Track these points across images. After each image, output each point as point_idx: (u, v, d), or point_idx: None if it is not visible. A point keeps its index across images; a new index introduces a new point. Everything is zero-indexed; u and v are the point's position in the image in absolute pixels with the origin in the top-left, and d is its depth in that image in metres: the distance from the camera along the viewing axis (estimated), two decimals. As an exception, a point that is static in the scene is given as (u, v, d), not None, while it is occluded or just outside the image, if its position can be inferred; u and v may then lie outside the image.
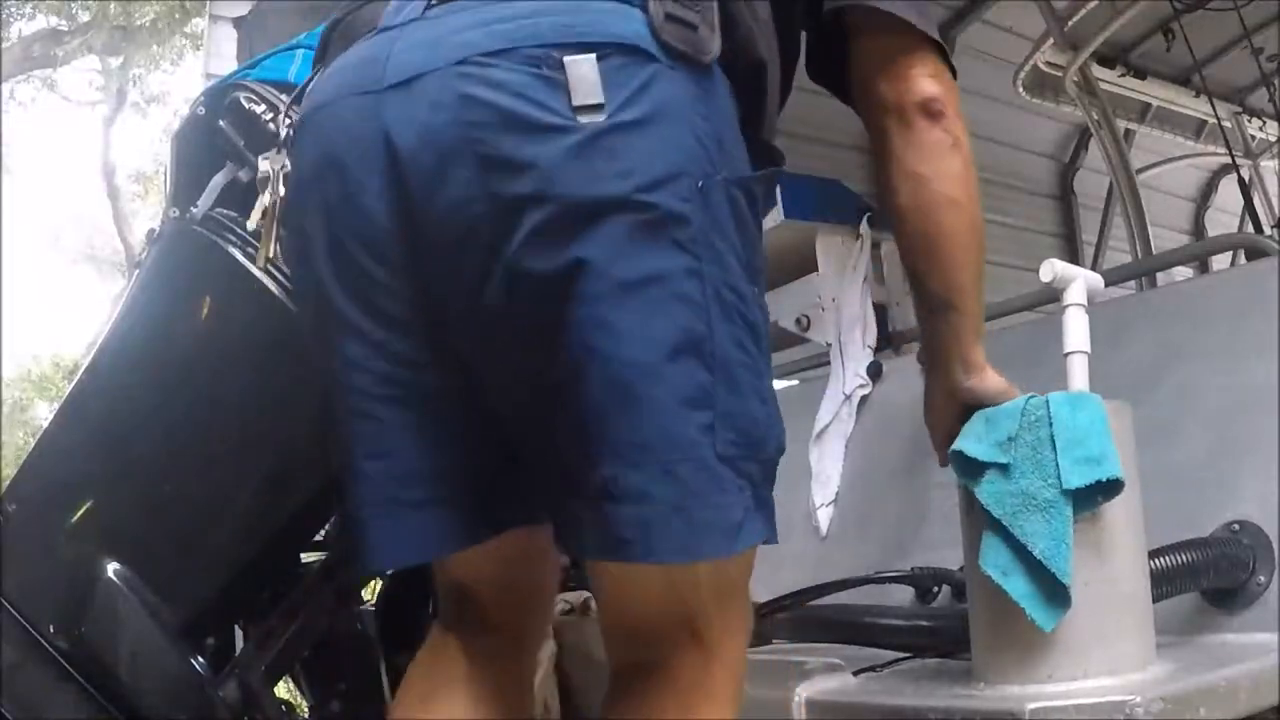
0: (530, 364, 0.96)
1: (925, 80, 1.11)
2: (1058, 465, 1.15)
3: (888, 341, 2.48)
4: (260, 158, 1.13)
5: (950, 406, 1.23)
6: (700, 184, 0.95)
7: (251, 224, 1.16)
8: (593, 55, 0.93)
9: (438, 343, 1.01)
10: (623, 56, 0.94)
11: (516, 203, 0.92)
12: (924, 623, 1.49)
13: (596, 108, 0.92)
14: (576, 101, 0.92)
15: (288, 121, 1.11)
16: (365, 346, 1.01)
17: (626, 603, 1.03)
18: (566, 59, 0.92)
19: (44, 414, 12.77)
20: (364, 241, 0.99)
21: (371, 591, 2.01)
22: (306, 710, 1.98)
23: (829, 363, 2.40)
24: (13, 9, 11.71)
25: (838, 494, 2.20)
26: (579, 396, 0.93)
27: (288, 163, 1.09)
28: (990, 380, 1.21)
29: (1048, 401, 1.19)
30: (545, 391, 0.96)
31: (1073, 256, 4.12)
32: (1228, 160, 3.97)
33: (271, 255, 1.13)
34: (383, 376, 1.01)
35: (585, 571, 1.20)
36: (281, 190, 1.10)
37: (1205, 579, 1.40)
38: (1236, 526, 1.45)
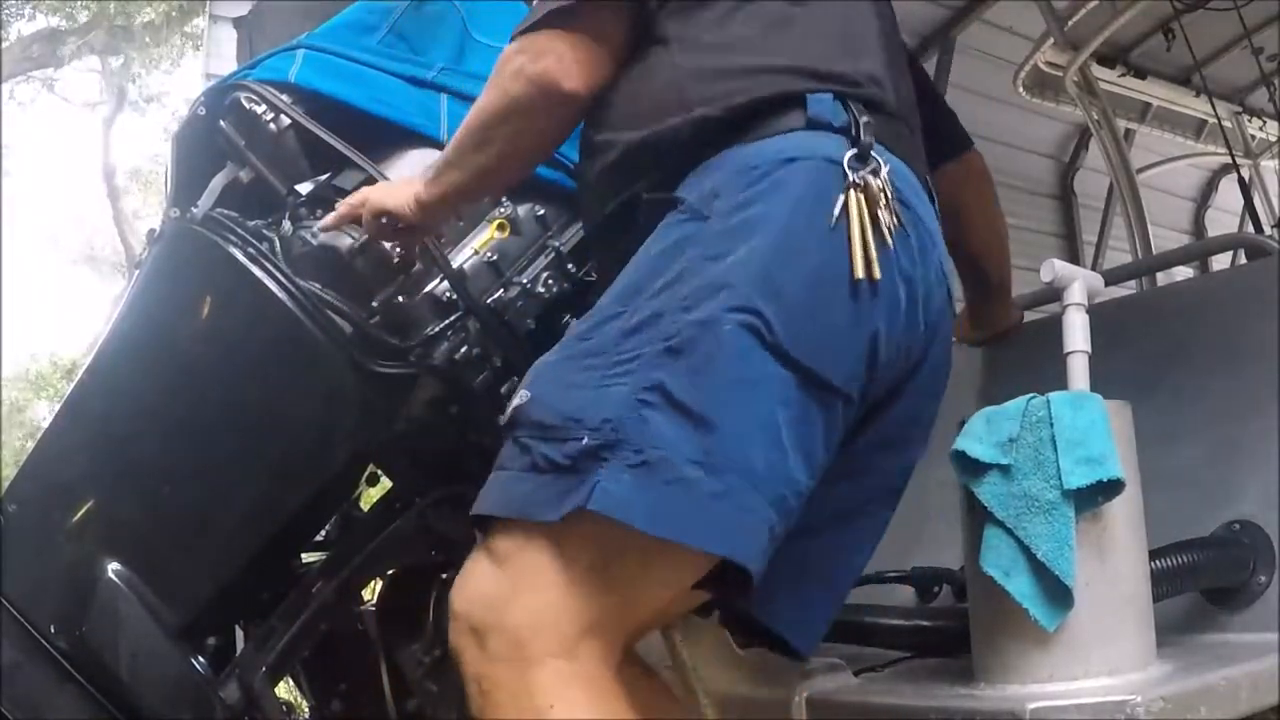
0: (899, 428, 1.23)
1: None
2: (1059, 466, 1.15)
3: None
4: (858, 168, 1.13)
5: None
6: None
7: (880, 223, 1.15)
8: None
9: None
10: None
11: (949, 334, 1.28)
12: (924, 622, 1.50)
13: None
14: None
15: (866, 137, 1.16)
16: (866, 369, 1.12)
17: None
18: None
19: (43, 414, 12.75)
20: (911, 290, 1.15)
21: (371, 591, 2.01)
22: (306, 710, 1.98)
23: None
24: (13, 9, 11.71)
25: (838, 494, 2.19)
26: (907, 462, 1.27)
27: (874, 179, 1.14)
28: None
29: (1049, 402, 1.19)
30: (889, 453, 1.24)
31: (1073, 256, 4.12)
32: (1228, 160, 3.97)
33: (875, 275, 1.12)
34: (855, 402, 1.13)
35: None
36: (882, 199, 1.12)
37: (1206, 579, 1.40)
38: (1237, 526, 1.45)
